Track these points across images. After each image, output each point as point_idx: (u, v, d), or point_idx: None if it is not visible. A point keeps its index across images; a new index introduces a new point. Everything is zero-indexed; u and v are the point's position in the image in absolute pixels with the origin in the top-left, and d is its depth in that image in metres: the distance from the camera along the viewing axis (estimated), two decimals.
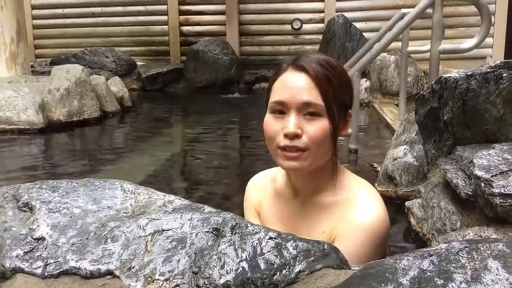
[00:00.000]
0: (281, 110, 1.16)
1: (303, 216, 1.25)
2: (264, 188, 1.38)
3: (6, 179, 3.05)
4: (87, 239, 0.92)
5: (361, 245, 1.10)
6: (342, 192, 1.22)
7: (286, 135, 1.13)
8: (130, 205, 1.02)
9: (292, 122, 1.13)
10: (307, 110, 1.13)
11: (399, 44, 4.41)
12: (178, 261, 0.86)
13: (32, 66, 6.58)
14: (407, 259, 0.73)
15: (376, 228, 1.12)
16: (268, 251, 0.83)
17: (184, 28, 8.51)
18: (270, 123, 1.17)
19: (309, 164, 1.16)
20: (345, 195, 1.21)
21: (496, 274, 0.67)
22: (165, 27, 8.57)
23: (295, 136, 1.13)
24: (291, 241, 0.85)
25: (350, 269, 0.85)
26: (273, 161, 1.31)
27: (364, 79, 5.90)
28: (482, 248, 0.72)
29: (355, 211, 1.15)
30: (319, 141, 1.13)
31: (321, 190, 1.23)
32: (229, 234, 0.88)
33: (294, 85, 1.15)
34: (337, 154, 1.24)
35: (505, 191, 1.28)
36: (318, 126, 1.13)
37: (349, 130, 3.33)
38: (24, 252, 0.91)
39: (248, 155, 3.87)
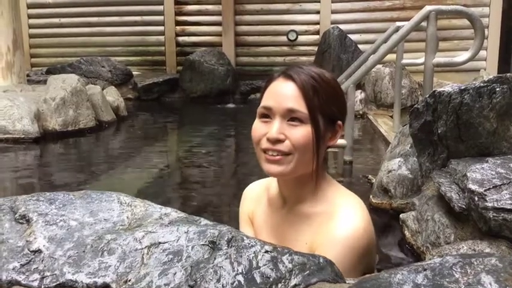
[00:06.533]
0: (268, 115, 1.21)
1: (289, 225, 1.27)
2: (258, 197, 1.40)
3: (1, 189, 3.04)
4: (84, 251, 0.92)
5: (338, 259, 1.10)
6: (323, 203, 1.23)
7: (268, 139, 1.18)
8: (127, 218, 1.02)
9: (275, 127, 1.18)
10: (290, 116, 1.18)
11: (394, 56, 4.45)
12: (175, 274, 0.86)
13: (27, 75, 6.57)
14: (402, 273, 0.74)
15: (354, 242, 1.13)
16: (264, 265, 0.84)
17: (181, 38, 8.53)
18: (257, 127, 1.23)
19: (291, 169, 1.19)
20: (325, 207, 1.22)
21: None
22: (161, 37, 8.59)
23: (278, 141, 1.18)
24: (287, 254, 0.86)
25: (345, 282, 0.86)
26: None
27: (359, 91, 5.94)
28: (475, 263, 0.73)
29: (332, 225, 1.16)
30: (302, 147, 1.17)
31: (304, 200, 1.25)
32: (226, 247, 0.88)
33: (280, 92, 1.20)
34: (320, 164, 1.24)
35: (498, 205, 1.29)
36: (301, 132, 1.17)
37: (344, 142, 3.31)
38: (21, 264, 0.91)
39: (244, 165, 3.87)
